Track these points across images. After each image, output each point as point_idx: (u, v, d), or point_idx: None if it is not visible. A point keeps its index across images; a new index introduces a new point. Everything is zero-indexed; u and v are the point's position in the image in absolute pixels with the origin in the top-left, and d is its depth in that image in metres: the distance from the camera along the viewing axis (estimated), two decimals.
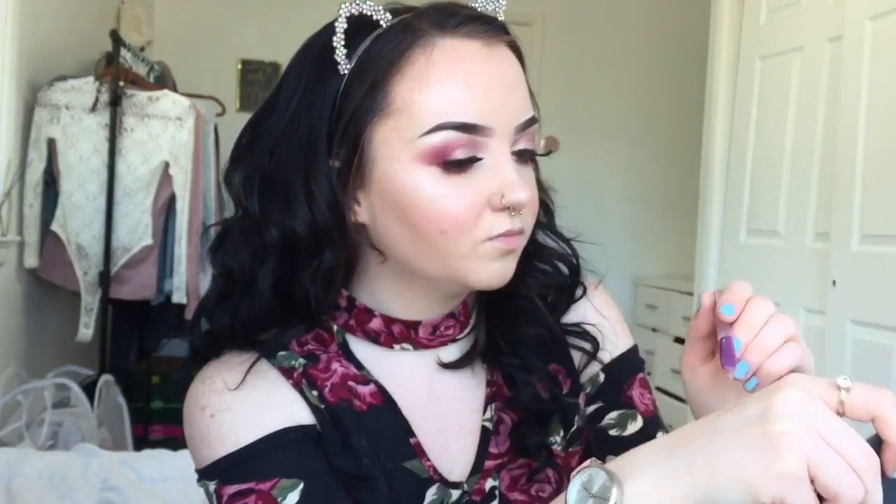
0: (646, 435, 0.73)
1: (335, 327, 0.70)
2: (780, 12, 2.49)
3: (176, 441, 3.36)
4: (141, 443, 2.90)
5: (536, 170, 0.69)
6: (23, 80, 2.47)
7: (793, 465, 0.43)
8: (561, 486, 0.71)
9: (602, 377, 0.75)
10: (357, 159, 0.63)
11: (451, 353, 0.72)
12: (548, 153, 0.70)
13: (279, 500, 0.60)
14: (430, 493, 0.68)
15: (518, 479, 0.70)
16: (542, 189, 0.71)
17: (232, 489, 0.62)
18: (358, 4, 0.62)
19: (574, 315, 0.76)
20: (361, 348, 0.70)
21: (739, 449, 0.45)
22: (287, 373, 0.67)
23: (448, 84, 0.60)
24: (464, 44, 0.61)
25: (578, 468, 0.51)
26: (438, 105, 0.60)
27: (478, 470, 0.69)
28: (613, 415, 0.74)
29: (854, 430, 0.45)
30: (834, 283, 2.11)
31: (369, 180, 0.63)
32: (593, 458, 0.52)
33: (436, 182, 0.61)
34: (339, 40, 0.62)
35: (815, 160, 2.28)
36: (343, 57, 0.62)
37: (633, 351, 0.78)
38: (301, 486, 0.61)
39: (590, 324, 0.76)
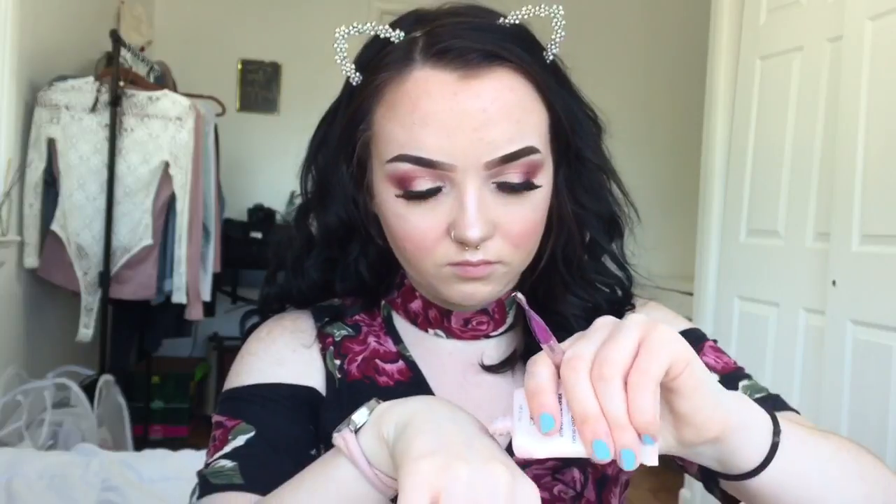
0: (725, 384, 0.70)
1: (382, 302, 0.76)
2: (780, 12, 2.49)
3: (176, 441, 3.37)
4: (141, 443, 2.90)
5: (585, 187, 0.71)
6: (23, 80, 2.47)
7: None
8: (584, 489, 0.71)
9: None
10: (365, 167, 0.69)
11: (489, 349, 0.73)
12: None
13: (230, 438, 0.66)
14: None
15: (541, 477, 0.70)
16: (607, 207, 0.72)
17: (217, 417, 0.69)
18: (354, 26, 0.64)
19: None
20: (403, 326, 0.75)
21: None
22: (323, 338, 0.74)
23: (409, 117, 0.61)
24: (434, 75, 0.61)
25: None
26: (400, 137, 0.61)
27: None
28: None
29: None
30: (834, 283, 2.11)
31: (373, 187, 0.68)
32: None
33: (400, 203, 0.64)
34: (339, 57, 0.65)
35: (815, 160, 2.28)
36: (352, 72, 0.66)
37: (694, 330, 0.77)
38: (252, 433, 0.66)
39: None
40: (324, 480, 0.54)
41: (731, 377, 0.72)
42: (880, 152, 1.98)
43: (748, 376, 0.73)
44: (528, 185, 0.63)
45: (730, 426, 0.50)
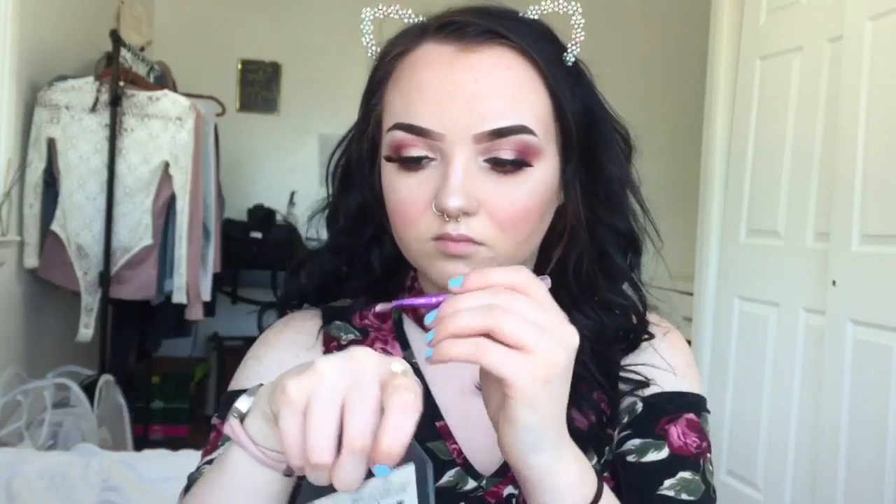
0: (666, 466, 0.67)
1: None
2: (780, 12, 2.49)
3: (176, 441, 3.37)
4: (141, 443, 2.90)
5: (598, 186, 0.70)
6: (23, 80, 2.47)
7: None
8: None
9: (640, 407, 0.70)
10: (378, 145, 0.69)
11: None
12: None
13: (220, 444, 0.68)
14: (448, 475, 0.68)
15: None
16: (625, 222, 0.72)
17: (215, 420, 0.71)
18: (380, 9, 0.67)
19: (638, 357, 0.73)
20: (412, 330, 0.75)
21: None
22: (328, 341, 0.74)
23: (408, 86, 0.63)
24: (437, 48, 0.63)
25: None
26: (398, 106, 0.64)
27: (502, 474, 0.68)
28: (636, 442, 0.69)
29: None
30: (834, 283, 2.11)
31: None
32: None
33: (394, 174, 0.65)
34: (365, 37, 0.67)
35: (815, 160, 2.28)
36: (373, 48, 0.68)
37: (694, 395, 0.72)
38: None
39: (646, 364, 0.72)
40: (220, 470, 0.55)
41: (675, 460, 0.67)
42: (880, 152, 1.98)
43: (697, 469, 0.67)
44: (519, 163, 0.62)
45: (527, 478, 0.53)
